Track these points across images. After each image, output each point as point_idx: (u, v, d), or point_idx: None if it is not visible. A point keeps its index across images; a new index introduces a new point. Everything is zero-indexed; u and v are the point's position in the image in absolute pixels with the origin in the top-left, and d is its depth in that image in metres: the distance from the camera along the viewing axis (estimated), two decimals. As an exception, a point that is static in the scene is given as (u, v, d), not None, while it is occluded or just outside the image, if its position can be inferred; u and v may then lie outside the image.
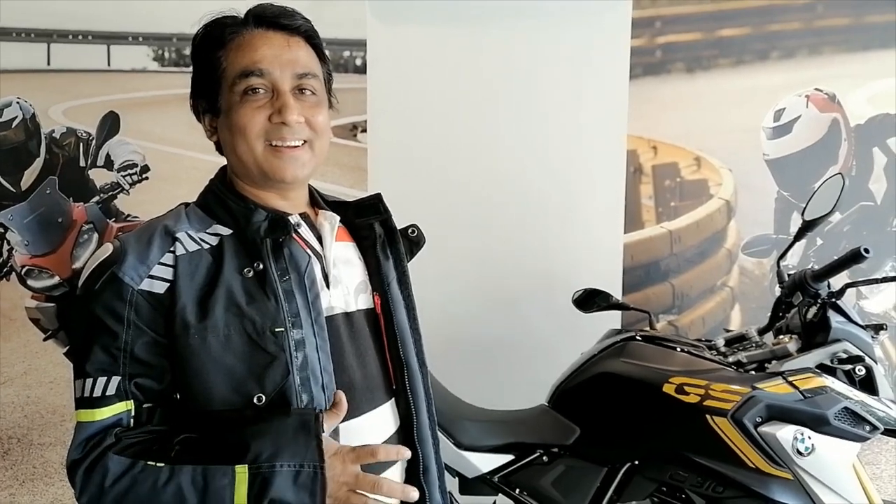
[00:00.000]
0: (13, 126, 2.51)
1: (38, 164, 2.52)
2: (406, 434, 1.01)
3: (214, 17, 0.97)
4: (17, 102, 2.50)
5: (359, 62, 2.43)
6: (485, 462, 1.62)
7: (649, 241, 2.47)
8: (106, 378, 0.87)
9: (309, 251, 0.97)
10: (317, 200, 1.05)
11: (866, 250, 1.47)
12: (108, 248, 0.91)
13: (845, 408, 1.50)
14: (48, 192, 2.53)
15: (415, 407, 1.02)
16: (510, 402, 1.78)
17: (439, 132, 2.38)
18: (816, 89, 2.40)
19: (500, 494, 1.66)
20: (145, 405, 0.89)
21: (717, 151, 2.44)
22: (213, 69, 0.94)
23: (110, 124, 2.51)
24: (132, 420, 0.88)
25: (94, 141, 2.52)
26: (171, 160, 2.51)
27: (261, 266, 0.90)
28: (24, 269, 2.56)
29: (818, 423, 1.47)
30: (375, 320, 1.02)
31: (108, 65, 2.50)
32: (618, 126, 2.42)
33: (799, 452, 1.46)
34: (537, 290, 2.38)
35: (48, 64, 2.50)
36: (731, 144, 2.43)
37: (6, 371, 2.58)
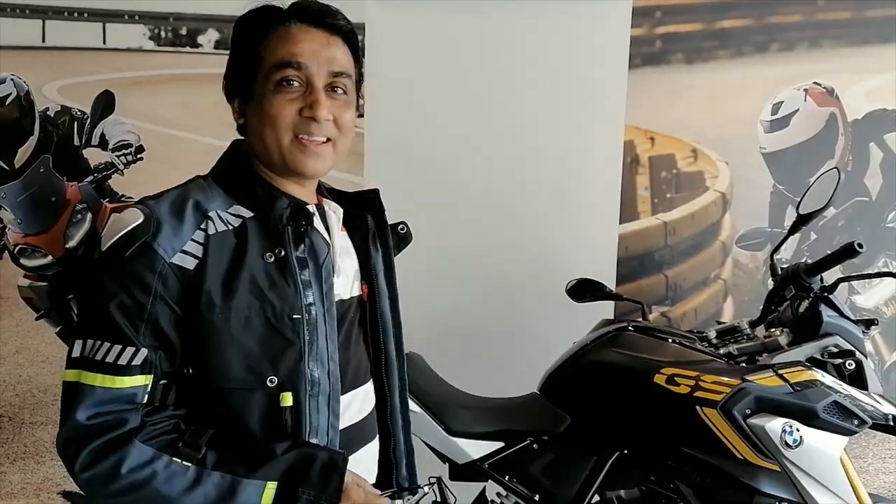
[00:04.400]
0: (7, 103, 2.49)
1: (31, 142, 2.50)
2: (380, 414, 1.08)
3: (259, 5, 0.98)
4: (12, 79, 2.47)
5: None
6: (475, 449, 1.63)
7: (644, 232, 2.47)
8: (132, 349, 0.86)
9: (326, 242, 1.00)
10: (321, 189, 1.08)
11: (860, 245, 1.48)
12: (137, 216, 0.89)
13: (834, 402, 1.51)
14: (42, 170, 2.51)
15: (389, 391, 1.08)
16: (502, 391, 1.79)
17: (436, 118, 2.37)
18: (815, 83, 2.40)
19: (489, 481, 1.67)
20: (161, 381, 0.90)
21: (715, 143, 2.44)
22: (252, 56, 0.96)
23: (105, 103, 2.49)
24: (146, 395, 0.88)
25: (88, 120, 2.50)
26: (166, 141, 2.49)
27: (283, 252, 0.92)
28: (16, 248, 2.54)
29: (807, 416, 1.48)
30: (363, 308, 1.07)
31: (104, 43, 2.48)
32: (616, 116, 2.42)
33: (787, 445, 1.47)
34: (531, 280, 2.39)
35: (43, 41, 2.47)
36: (728, 137, 2.43)
37: (-2, 350, 2.59)
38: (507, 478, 1.64)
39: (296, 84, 0.94)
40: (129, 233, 0.88)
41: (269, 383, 0.90)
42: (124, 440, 0.85)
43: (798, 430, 1.48)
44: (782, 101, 2.40)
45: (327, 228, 1.02)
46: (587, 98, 2.40)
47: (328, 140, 0.96)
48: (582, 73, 2.37)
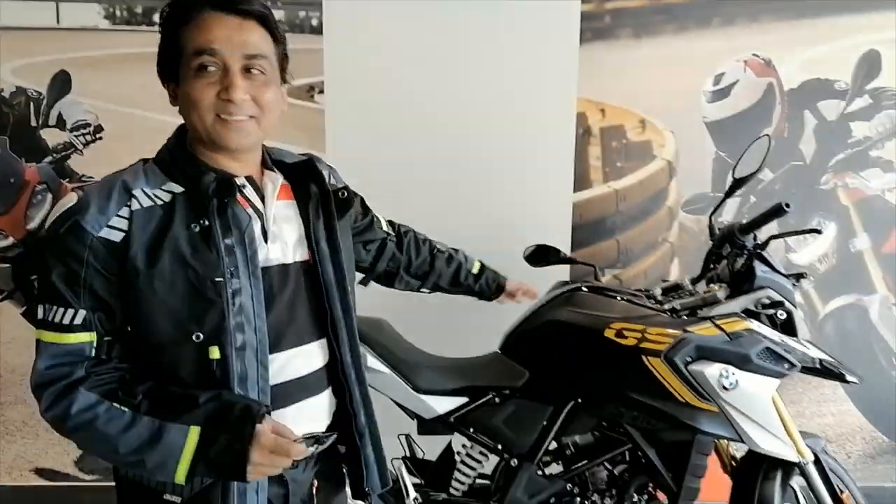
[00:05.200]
0: (-41, 84, 2.46)
1: (-13, 123, 2.48)
2: (334, 369, 1.15)
3: None
4: (-37, 60, 2.45)
5: (315, 22, 2.45)
6: (441, 404, 1.73)
7: (596, 200, 2.58)
8: (73, 310, 0.99)
9: (251, 210, 1.08)
10: (266, 161, 1.14)
11: (787, 205, 1.60)
12: (72, 198, 1.01)
13: (766, 348, 1.64)
14: (-1, 151, 2.50)
15: (338, 348, 1.15)
16: (465, 352, 1.88)
17: (395, 93, 2.42)
18: (754, 55, 2.51)
19: (455, 433, 1.77)
20: (105, 338, 1.01)
21: (661, 114, 2.55)
22: (175, 44, 1.03)
23: (61, 83, 2.47)
24: (94, 350, 1.00)
25: (45, 100, 2.48)
26: (124, 119, 2.49)
27: (206, 222, 1.01)
28: (-24, 230, 2.54)
29: (742, 362, 1.61)
30: (311, 271, 1.13)
31: (58, 23, 2.45)
32: (568, 89, 2.50)
33: (724, 388, 1.60)
34: (491, 247, 2.45)
35: (-6, 20, 2.44)
36: (673, 107, 2.53)
37: (-38, 332, 2.58)
38: (471, 430, 1.75)
39: (212, 69, 1.01)
40: (64, 212, 0.99)
41: (195, 338, 1.00)
42: (73, 387, 0.98)
43: (734, 374, 1.61)
44: (723, 73, 2.51)
45: (262, 199, 1.10)
46: (541, 72, 2.47)
47: (251, 118, 1.04)
48: (536, 49, 2.44)
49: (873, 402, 2.70)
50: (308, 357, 1.12)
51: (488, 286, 1.72)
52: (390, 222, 1.61)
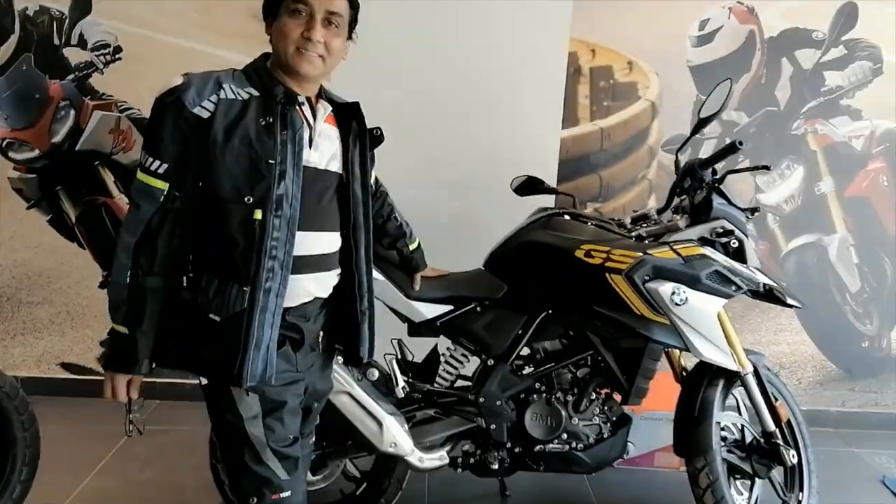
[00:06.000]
0: (-15, 2, 2.59)
1: (12, 40, 2.63)
2: (349, 260, 1.46)
3: None
4: (-12, -22, 2.57)
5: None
6: (430, 310, 1.94)
7: (583, 137, 2.76)
8: (160, 161, 1.29)
9: (304, 121, 1.38)
10: (321, 94, 1.45)
11: (740, 143, 1.79)
12: (179, 79, 1.30)
13: (716, 271, 1.85)
14: (24, 68, 2.65)
15: (355, 243, 1.46)
16: (456, 268, 2.10)
17: (397, 36, 2.56)
18: (738, 2, 2.65)
19: (440, 337, 2.01)
20: (174, 192, 1.30)
21: (648, 56, 2.70)
22: None
23: (83, 4, 2.61)
24: (163, 196, 1.30)
25: (67, 20, 2.63)
26: (142, 42, 2.64)
27: (271, 120, 1.32)
28: (4, 142, 2.71)
29: (692, 282, 1.83)
30: (343, 185, 1.45)
31: (78, -57, 2.58)
32: (562, 29, 2.65)
33: (675, 303, 1.83)
34: (484, 176, 2.66)
35: (17, -61, 2.56)
36: (660, 50, 2.68)
37: (-7, 236, 2.80)
38: (455, 334, 1.99)
39: (302, 14, 1.32)
40: (171, 88, 1.29)
41: (246, 200, 1.29)
42: (139, 220, 1.30)
43: (685, 292, 1.83)
44: (709, 19, 2.65)
45: (314, 116, 1.40)
46: (537, 12, 2.61)
47: (320, 56, 1.34)
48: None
49: (825, 333, 2.96)
50: (327, 242, 1.42)
51: (410, 263, 1.93)
52: (376, 178, 1.83)
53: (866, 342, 2.97)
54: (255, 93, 1.34)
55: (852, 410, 3.05)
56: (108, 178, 2.75)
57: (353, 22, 1.41)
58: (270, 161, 1.29)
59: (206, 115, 1.28)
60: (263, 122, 1.31)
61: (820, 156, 2.79)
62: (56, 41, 2.64)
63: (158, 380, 2.87)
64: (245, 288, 1.30)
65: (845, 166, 2.80)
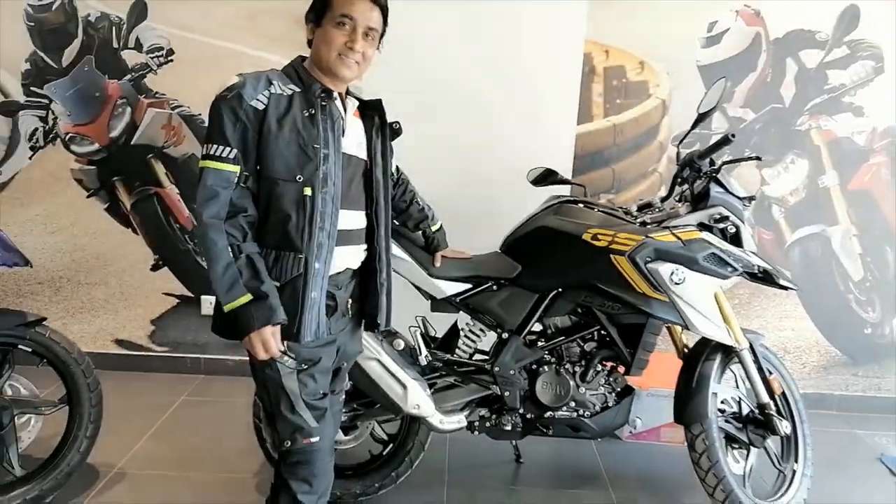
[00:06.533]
0: (53, 9, 2.87)
1: (76, 43, 2.90)
2: (370, 235, 1.69)
3: None
4: (56, -12, 2.84)
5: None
6: (450, 288, 2.13)
7: (597, 133, 2.94)
8: (229, 148, 1.48)
9: (339, 112, 1.61)
10: (349, 92, 1.69)
11: (733, 135, 1.95)
12: (235, 78, 1.51)
13: (712, 253, 2.01)
14: (86, 69, 2.92)
15: (376, 221, 1.69)
16: (473, 250, 2.28)
17: (430, 42, 2.77)
18: (745, 5, 2.81)
19: (460, 312, 2.21)
20: (244, 172, 1.51)
21: (659, 57, 2.87)
22: (327, 4, 1.56)
23: (139, 11, 2.87)
24: (237, 178, 1.49)
25: (125, 25, 2.89)
26: (192, 45, 2.89)
27: (313, 111, 1.54)
28: (67, 136, 2.99)
29: (690, 263, 1.99)
30: (367, 171, 1.69)
31: (136, -42, 2.83)
32: (577, 31, 2.83)
33: (674, 282, 1.99)
34: (503, 168, 2.85)
35: (81, -47, 2.82)
36: (671, 51, 2.85)
37: (56, 222, 3.07)
38: (473, 310, 2.19)
39: (347, 26, 1.55)
40: (231, 85, 1.50)
41: (297, 179, 1.51)
42: (221, 217, 1.48)
43: (683, 272, 2.00)
44: (717, 21, 2.81)
45: (344, 109, 1.63)
46: (552, 16, 2.80)
47: (356, 62, 1.58)
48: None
49: (829, 320, 3.10)
50: (355, 220, 1.65)
51: (432, 243, 2.13)
52: (397, 167, 2.04)
53: (869, 329, 3.09)
54: (297, 89, 1.55)
55: (855, 394, 3.17)
56: (160, 169, 3.00)
57: (383, 34, 1.63)
58: (315, 146, 1.51)
59: (261, 106, 1.49)
60: (307, 114, 1.52)
61: (823, 150, 2.93)
62: (115, 45, 2.90)
63: (203, 356, 3.13)
64: (300, 255, 1.51)
65: (848, 161, 2.93)
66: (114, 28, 2.88)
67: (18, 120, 2.96)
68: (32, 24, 2.88)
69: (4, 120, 2.96)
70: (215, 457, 2.50)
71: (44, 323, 2.14)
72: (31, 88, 2.93)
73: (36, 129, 2.96)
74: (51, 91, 2.93)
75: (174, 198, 3.02)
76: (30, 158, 2.99)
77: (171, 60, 2.90)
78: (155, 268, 3.09)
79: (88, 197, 3.05)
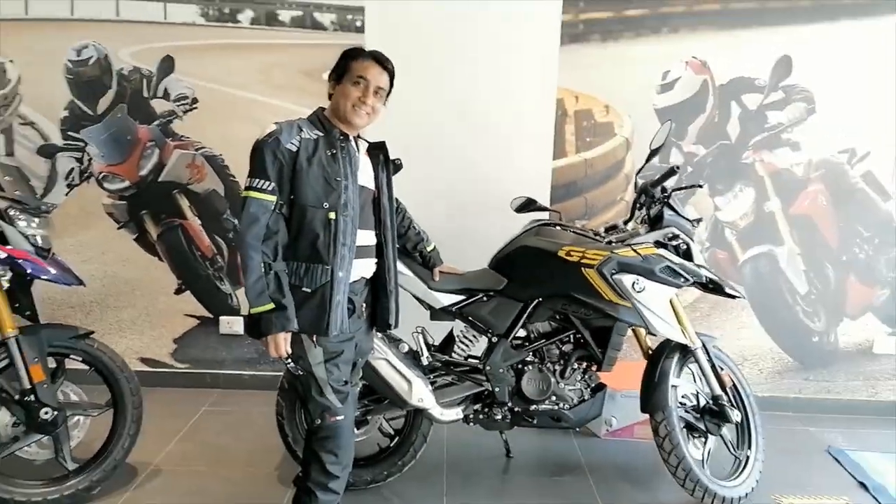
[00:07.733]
0: (90, 63, 3.24)
1: (110, 94, 3.26)
2: (381, 251, 2.05)
3: (355, 47, 2.00)
4: (93, 45, 3.22)
5: (358, 24, 3.20)
6: (447, 299, 2.47)
7: (570, 167, 3.33)
8: (268, 182, 1.83)
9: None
10: (359, 136, 2.05)
11: (677, 167, 2.36)
12: (273, 126, 1.87)
13: (667, 266, 2.39)
14: (119, 116, 3.28)
15: (385, 243, 2.06)
16: (466, 268, 2.63)
17: (419, 82, 3.14)
18: (693, 57, 3.24)
19: (455, 320, 2.55)
20: (279, 202, 1.85)
21: (621, 101, 3.28)
22: (346, 64, 1.94)
23: (167, 65, 3.25)
24: (273, 206, 1.83)
25: (154, 77, 3.26)
26: (214, 94, 3.27)
27: (335, 151, 1.91)
28: (101, 175, 3.33)
29: (649, 274, 2.36)
30: (374, 199, 2.05)
31: (165, 18, 3.22)
32: (550, 81, 3.24)
33: (636, 291, 2.36)
34: (487, 200, 3.21)
35: (117, 15, 3.21)
36: (631, 96, 3.26)
37: (89, 252, 3.39)
38: (466, 317, 2.53)
39: (361, 84, 1.92)
40: (271, 132, 1.85)
41: (324, 206, 1.85)
42: (259, 237, 1.82)
43: (643, 282, 2.37)
44: (669, 70, 3.24)
45: (357, 149, 1.99)
46: (530, 67, 3.21)
47: (367, 114, 1.94)
48: (527, 48, 3.18)
49: (781, 329, 3.46)
50: (368, 237, 2.01)
51: (429, 261, 2.49)
52: (397, 199, 2.36)
53: (816, 337, 3.46)
54: (321, 133, 1.92)
55: (807, 397, 3.51)
56: (185, 203, 3.35)
57: (389, 93, 2.00)
58: (338, 178, 1.87)
59: (294, 148, 1.85)
60: (330, 153, 1.89)
61: (767, 180, 3.34)
62: (145, 94, 3.27)
63: (221, 371, 3.43)
64: (327, 266, 1.85)
65: (788, 189, 3.34)
66: (144, 80, 3.25)
67: (56, 161, 3.30)
68: (71, 76, 3.24)
69: (44, 161, 3.30)
70: (239, 455, 2.80)
71: (91, 336, 2.46)
72: (69, 133, 3.28)
73: (72, 169, 3.30)
74: (86, 135, 3.27)
75: (196, 229, 3.36)
76: (66, 195, 3.33)
77: (196, 108, 3.27)
78: (178, 291, 3.40)
79: (119, 229, 3.38)
